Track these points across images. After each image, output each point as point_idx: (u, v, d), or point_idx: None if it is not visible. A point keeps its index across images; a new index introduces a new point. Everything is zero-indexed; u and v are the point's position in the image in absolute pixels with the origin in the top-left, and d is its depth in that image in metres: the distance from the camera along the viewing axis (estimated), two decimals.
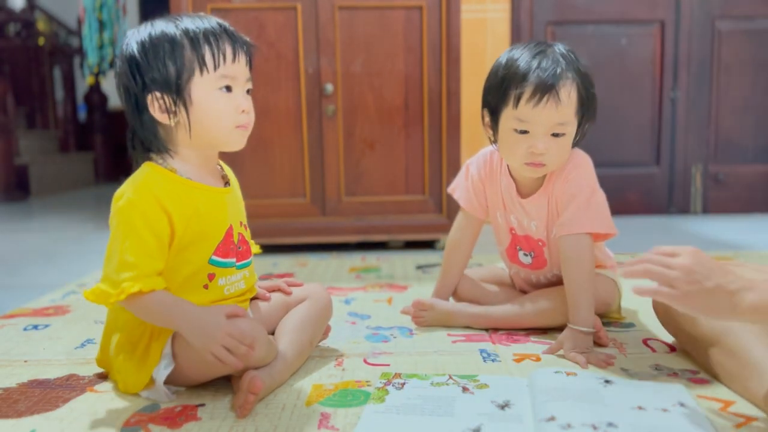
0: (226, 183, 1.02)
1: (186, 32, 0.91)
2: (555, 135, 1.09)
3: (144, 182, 0.91)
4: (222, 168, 1.04)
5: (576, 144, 1.17)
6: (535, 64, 1.08)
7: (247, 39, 0.97)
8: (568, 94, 1.08)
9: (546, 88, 1.06)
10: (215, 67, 0.91)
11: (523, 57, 1.10)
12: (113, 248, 0.88)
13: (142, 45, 0.91)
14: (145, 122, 0.93)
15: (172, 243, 0.91)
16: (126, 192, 0.90)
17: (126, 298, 0.85)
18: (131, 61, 0.92)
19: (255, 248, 1.12)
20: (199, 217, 0.94)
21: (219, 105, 0.93)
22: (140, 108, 0.93)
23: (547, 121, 1.08)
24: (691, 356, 1.06)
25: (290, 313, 1.07)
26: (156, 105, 0.91)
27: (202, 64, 0.91)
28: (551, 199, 1.17)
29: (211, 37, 0.91)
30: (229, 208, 0.99)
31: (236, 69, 0.93)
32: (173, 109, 0.91)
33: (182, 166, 0.95)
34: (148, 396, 0.94)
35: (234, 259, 0.99)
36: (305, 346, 1.04)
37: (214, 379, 0.96)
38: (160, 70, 0.90)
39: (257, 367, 0.93)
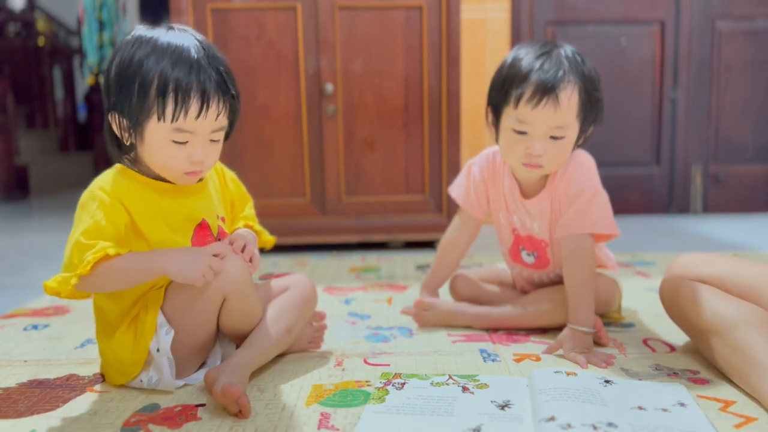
0: (200, 179, 1.02)
1: (161, 73, 0.87)
2: (553, 138, 1.09)
3: (106, 181, 0.93)
4: None
5: (580, 146, 1.17)
6: (537, 65, 1.08)
7: (232, 90, 0.92)
8: (569, 97, 1.07)
9: (546, 90, 1.06)
10: (173, 121, 0.88)
11: (527, 57, 1.10)
12: (71, 237, 0.89)
13: (121, 63, 0.90)
14: (108, 125, 0.94)
15: (142, 239, 0.92)
16: (91, 188, 0.92)
17: (91, 269, 0.84)
18: (108, 73, 0.92)
19: (270, 240, 1.13)
20: (163, 216, 0.94)
21: (168, 153, 0.91)
22: (107, 113, 0.94)
23: (545, 123, 1.08)
24: (694, 345, 1.06)
25: (270, 303, 1.07)
26: (115, 123, 0.92)
27: (161, 113, 0.88)
28: (554, 200, 1.17)
29: (182, 88, 0.87)
30: (200, 203, 0.99)
31: (198, 125, 0.90)
32: (126, 135, 0.92)
33: (147, 168, 0.96)
34: (148, 381, 0.94)
35: None
36: (281, 334, 1.03)
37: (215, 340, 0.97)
38: (124, 99, 0.89)
39: (219, 364, 0.95)
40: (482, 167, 1.28)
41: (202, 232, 0.98)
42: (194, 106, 0.88)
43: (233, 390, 0.86)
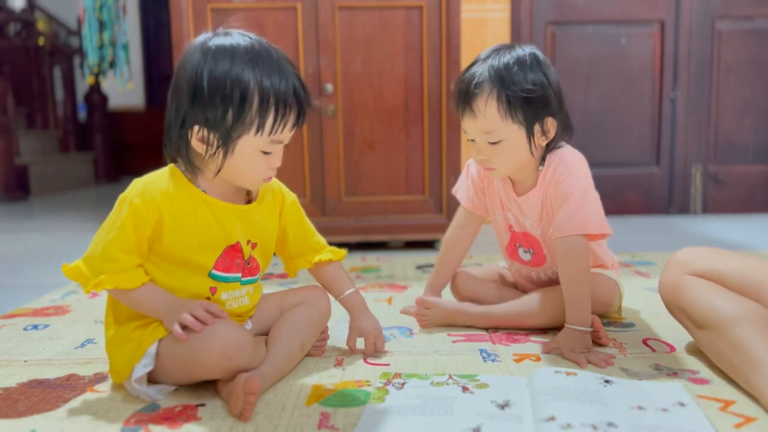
0: (249, 201, 1.01)
1: (261, 87, 0.88)
2: (492, 143, 1.12)
3: (153, 181, 0.92)
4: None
5: (552, 142, 1.15)
6: (461, 76, 1.15)
7: (312, 102, 0.96)
8: (483, 105, 1.10)
9: (463, 102, 1.12)
10: (271, 134, 0.90)
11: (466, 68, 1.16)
12: (102, 234, 0.90)
13: (213, 78, 0.87)
14: (182, 137, 0.91)
15: (159, 249, 0.91)
16: (134, 185, 0.92)
17: (101, 290, 0.90)
18: (196, 86, 0.88)
19: (339, 254, 1.11)
20: (198, 228, 0.93)
21: (254, 164, 0.92)
22: (182, 126, 0.90)
23: (475, 130, 1.13)
24: (694, 343, 1.06)
25: (284, 316, 1.06)
26: (197, 136, 0.90)
27: (261, 127, 0.89)
28: (545, 198, 1.18)
29: (282, 103, 0.89)
30: (240, 224, 0.97)
31: (288, 135, 0.93)
32: (213, 149, 0.90)
33: (203, 181, 0.95)
34: (131, 390, 0.94)
35: (239, 274, 0.98)
36: (296, 351, 1.03)
37: (207, 380, 0.95)
38: (218, 113, 0.88)
39: (246, 371, 0.92)
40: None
41: (233, 254, 0.96)
42: (292, 118, 0.91)
43: (254, 383, 0.85)
